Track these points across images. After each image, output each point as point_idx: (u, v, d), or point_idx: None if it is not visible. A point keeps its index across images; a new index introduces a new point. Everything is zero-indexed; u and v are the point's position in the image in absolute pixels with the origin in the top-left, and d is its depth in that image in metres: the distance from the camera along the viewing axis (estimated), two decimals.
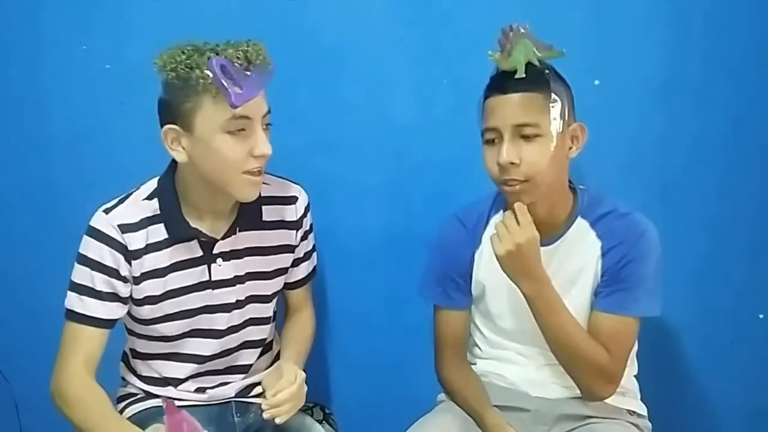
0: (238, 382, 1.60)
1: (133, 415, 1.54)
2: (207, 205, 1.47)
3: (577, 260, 1.50)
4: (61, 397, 1.44)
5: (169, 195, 1.46)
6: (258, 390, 1.59)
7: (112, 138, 1.84)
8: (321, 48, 1.81)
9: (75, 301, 1.44)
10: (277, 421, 1.41)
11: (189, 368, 1.55)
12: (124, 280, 1.45)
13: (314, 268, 1.68)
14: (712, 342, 1.84)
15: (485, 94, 1.44)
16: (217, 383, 1.58)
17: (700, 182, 1.78)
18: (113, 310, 1.46)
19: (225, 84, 1.31)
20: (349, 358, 1.94)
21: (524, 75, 1.38)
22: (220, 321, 1.53)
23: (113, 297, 1.45)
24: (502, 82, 1.41)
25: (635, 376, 1.58)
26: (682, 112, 1.75)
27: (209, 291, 1.50)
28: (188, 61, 1.33)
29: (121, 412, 1.56)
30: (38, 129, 1.88)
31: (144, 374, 1.58)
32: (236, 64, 1.33)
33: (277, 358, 1.66)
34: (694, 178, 1.77)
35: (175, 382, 1.56)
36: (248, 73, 1.34)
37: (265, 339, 1.62)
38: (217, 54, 1.33)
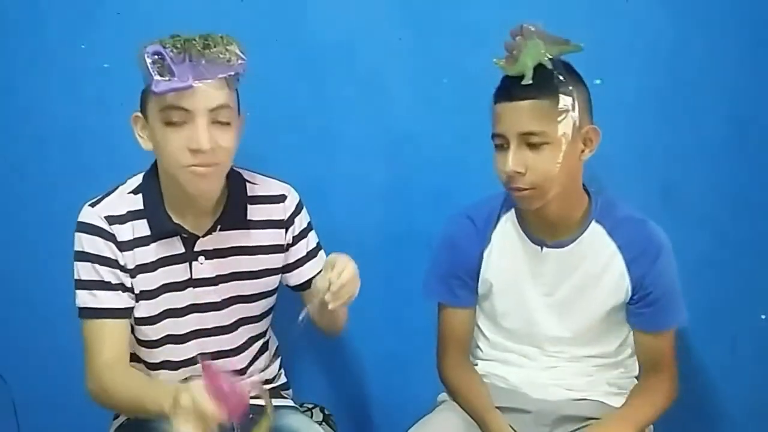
0: None
1: None
2: (185, 200, 1.43)
3: (593, 265, 1.49)
4: (103, 389, 1.38)
5: (152, 189, 1.45)
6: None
7: (111, 138, 1.83)
8: (321, 48, 1.81)
9: (87, 298, 1.42)
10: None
11: (185, 372, 1.52)
12: (124, 269, 1.43)
13: None
14: (713, 342, 1.84)
15: (494, 98, 1.41)
16: None
17: (702, 182, 1.77)
18: (126, 300, 1.43)
19: (150, 70, 1.28)
20: (349, 358, 1.94)
21: (531, 81, 1.34)
22: (207, 321, 1.50)
23: (122, 287, 1.43)
24: (509, 88, 1.38)
25: (635, 376, 1.58)
26: (683, 112, 1.75)
27: (190, 289, 1.48)
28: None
29: None
30: (37, 128, 1.87)
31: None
32: (171, 51, 1.29)
33: (275, 356, 1.66)
34: (695, 177, 1.77)
35: None
36: (185, 62, 1.30)
37: (261, 339, 1.61)
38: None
